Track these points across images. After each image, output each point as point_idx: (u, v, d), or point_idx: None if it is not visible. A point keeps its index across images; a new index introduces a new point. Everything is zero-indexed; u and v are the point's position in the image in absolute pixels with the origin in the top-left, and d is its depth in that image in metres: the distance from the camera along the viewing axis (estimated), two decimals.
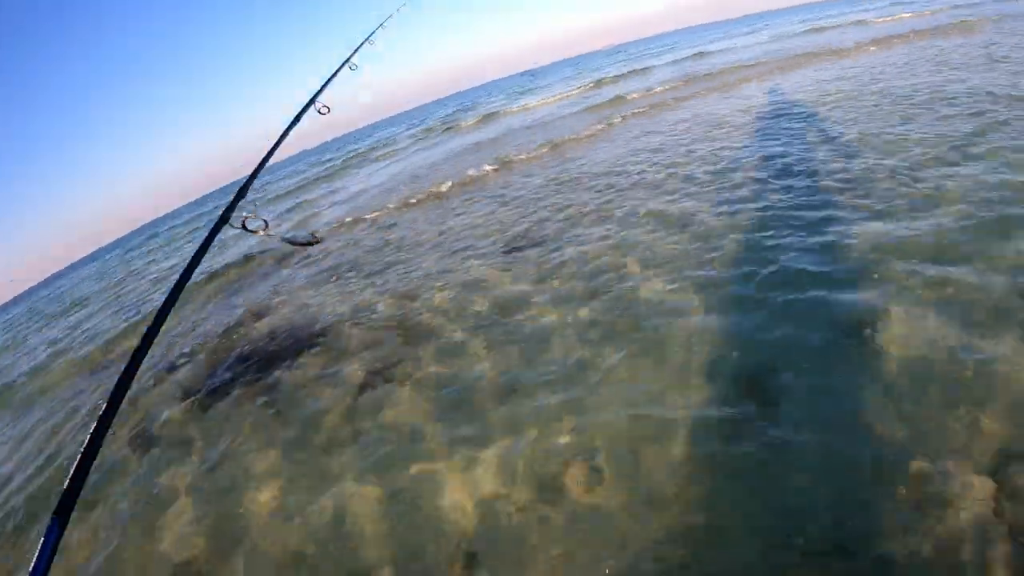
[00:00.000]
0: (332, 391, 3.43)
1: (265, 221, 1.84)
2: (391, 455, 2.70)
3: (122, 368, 1.07)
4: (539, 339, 3.27)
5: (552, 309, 3.54)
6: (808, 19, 29.10)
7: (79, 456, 0.95)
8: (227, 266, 8.52)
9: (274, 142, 2.21)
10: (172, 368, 4.94)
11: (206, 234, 1.50)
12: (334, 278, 5.69)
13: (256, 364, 4.18)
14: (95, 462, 0.97)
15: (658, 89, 13.50)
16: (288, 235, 1.82)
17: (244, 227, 1.78)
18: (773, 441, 2.09)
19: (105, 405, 1.01)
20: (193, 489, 2.97)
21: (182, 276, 1.31)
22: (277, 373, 3.88)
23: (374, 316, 4.33)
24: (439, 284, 4.55)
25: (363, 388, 3.37)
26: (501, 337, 3.43)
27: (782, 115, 7.10)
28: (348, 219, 8.69)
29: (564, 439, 2.43)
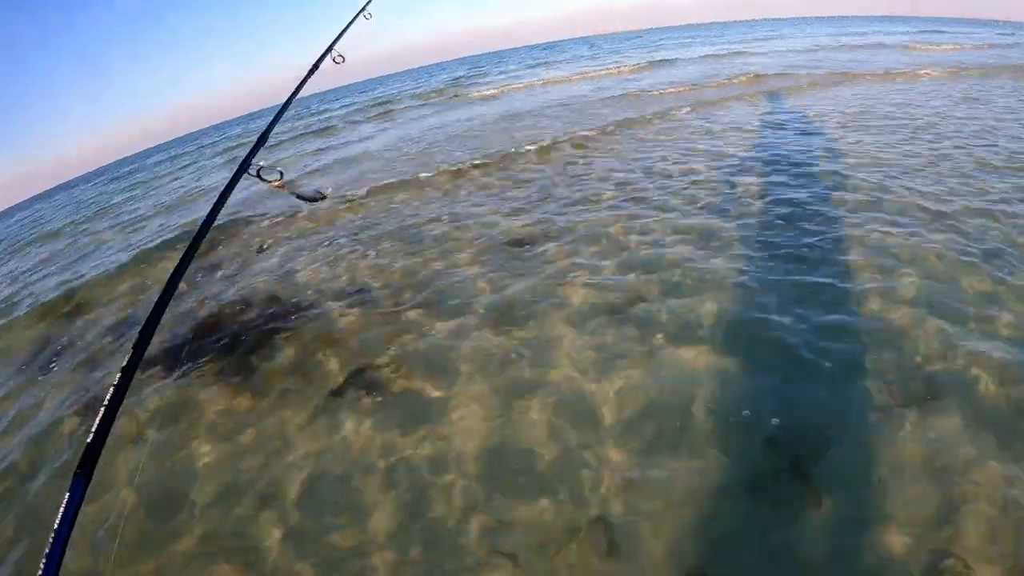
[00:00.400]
0: (308, 391, 3.12)
1: (280, 172, 1.75)
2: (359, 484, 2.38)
3: (143, 321, 1.00)
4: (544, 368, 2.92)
5: (564, 335, 3.18)
6: (832, 33, 28.18)
7: (101, 412, 0.89)
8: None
9: (292, 91, 2.09)
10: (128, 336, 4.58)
11: (225, 183, 1.40)
12: (323, 250, 5.26)
13: (230, 343, 3.82)
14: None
15: (689, 86, 12.39)
16: (299, 189, 1.73)
17: (259, 176, 1.70)
18: (809, 527, 1.92)
19: (126, 361, 0.95)
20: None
21: (203, 225, 1.23)
22: (252, 358, 3.57)
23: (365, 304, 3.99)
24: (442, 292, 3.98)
25: (342, 392, 3.03)
26: (504, 355, 3.09)
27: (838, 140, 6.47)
28: (346, 194, 7.54)
29: (572, 498, 2.17)
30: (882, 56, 15.81)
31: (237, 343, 3.79)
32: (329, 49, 2.50)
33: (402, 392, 2.92)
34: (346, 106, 25.06)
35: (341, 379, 3.11)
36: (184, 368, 3.60)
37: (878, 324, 2.85)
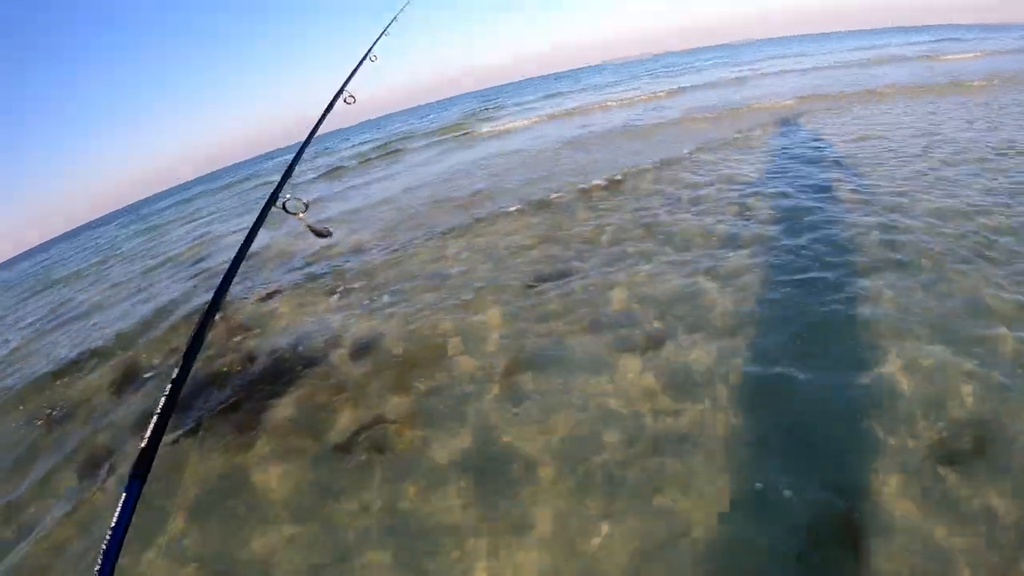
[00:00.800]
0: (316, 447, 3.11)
1: (305, 204, 1.87)
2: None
3: (191, 334, 1.09)
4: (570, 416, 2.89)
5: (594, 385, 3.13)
6: (856, 47, 27.95)
7: (154, 420, 0.97)
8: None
9: (309, 131, 2.25)
10: (133, 384, 4.66)
11: (256, 214, 1.51)
12: (334, 299, 5.29)
13: (233, 394, 3.87)
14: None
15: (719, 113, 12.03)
16: (312, 222, 1.83)
17: (284, 208, 1.82)
18: None
19: (178, 369, 1.03)
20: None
21: (238, 253, 1.33)
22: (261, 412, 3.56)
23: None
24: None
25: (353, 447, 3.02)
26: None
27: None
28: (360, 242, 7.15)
29: (604, 542, 2.16)
30: (908, 68, 15.77)
31: (246, 398, 3.79)
32: (340, 91, 2.69)
33: (413, 450, 2.90)
34: (359, 144, 25.54)
35: (350, 436, 3.12)
36: (195, 425, 3.60)
37: None
